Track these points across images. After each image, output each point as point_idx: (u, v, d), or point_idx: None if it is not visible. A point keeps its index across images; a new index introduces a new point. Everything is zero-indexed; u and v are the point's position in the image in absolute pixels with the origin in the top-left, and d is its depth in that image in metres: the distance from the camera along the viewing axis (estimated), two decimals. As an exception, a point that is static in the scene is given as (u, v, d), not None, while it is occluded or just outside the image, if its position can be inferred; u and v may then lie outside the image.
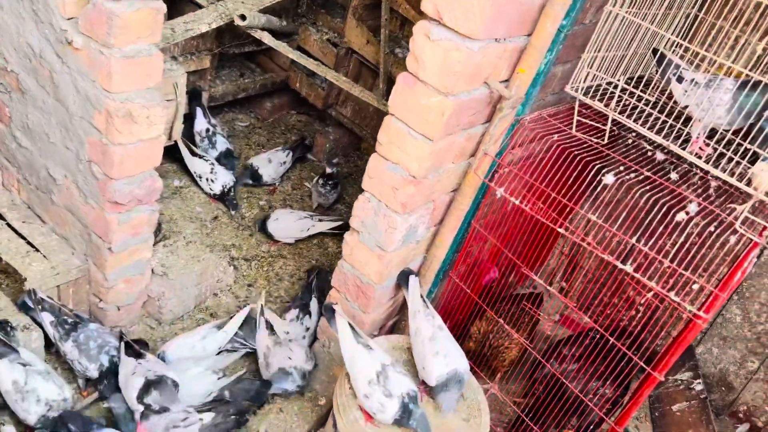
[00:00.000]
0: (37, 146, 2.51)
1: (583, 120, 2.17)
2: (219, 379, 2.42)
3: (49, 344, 2.48)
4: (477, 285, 2.63)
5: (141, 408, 2.21)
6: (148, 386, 2.22)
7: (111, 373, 2.39)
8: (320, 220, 3.54)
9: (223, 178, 3.53)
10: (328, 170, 3.70)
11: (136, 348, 2.41)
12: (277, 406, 2.54)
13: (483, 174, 2.20)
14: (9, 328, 2.32)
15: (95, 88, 2.15)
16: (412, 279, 2.37)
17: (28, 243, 2.56)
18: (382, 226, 2.20)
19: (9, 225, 2.60)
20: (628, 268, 1.90)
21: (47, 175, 2.53)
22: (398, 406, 2.03)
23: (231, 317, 2.70)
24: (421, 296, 2.32)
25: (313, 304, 2.91)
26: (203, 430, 2.37)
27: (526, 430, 2.48)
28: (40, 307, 2.43)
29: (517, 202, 2.11)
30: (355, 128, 4.18)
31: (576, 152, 2.04)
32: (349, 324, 2.16)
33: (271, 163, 3.84)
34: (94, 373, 2.38)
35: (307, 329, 2.82)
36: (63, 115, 2.32)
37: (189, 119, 3.66)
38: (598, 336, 2.49)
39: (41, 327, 2.44)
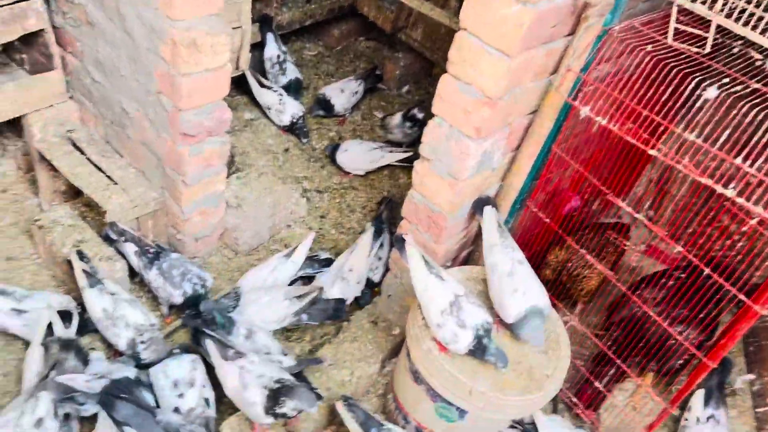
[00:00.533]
0: (109, 80, 2.53)
1: (682, 27, 1.92)
2: (292, 303, 2.44)
3: (132, 274, 2.58)
4: (557, 214, 2.48)
5: (270, 420, 2.05)
6: (276, 397, 2.02)
7: (194, 300, 2.46)
8: (390, 151, 3.44)
9: (292, 108, 3.48)
10: (419, 114, 3.53)
11: (229, 346, 2.18)
12: (351, 334, 2.56)
13: (566, 93, 2.02)
14: (87, 259, 2.41)
15: (158, 17, 2.10)
16: (488, 210, 2.26)
17: (108, 177, 2.63)
18: (454, 153, 2.08)
19: (89, 159, 2.67)
20: (731, 192, 1.71)
21: (121, 109, 2.56)
22: (472, 337, 1.98)
23: (296, 246, 2.70)
24: (499, 226, 2.21)
25: (384, 235, 2.87)
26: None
27: (607, 364, 2.39)
28: (123, 238, 2.52)
29: (603, 122, 1.93)
30: (426, 52, 3.99)
31: (673, 64, 1.82)
32: (421, 254, 2.10)
33: (343, 93, 3.75)
34: (178, 299, 2.45)
35: (380, 259, 2.79)
36: (131, 47, 2.31)
37: (256, 49, 3.60)
38: (683, 276, 2.32)
39: (124, 257, 2.53)
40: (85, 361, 2.14)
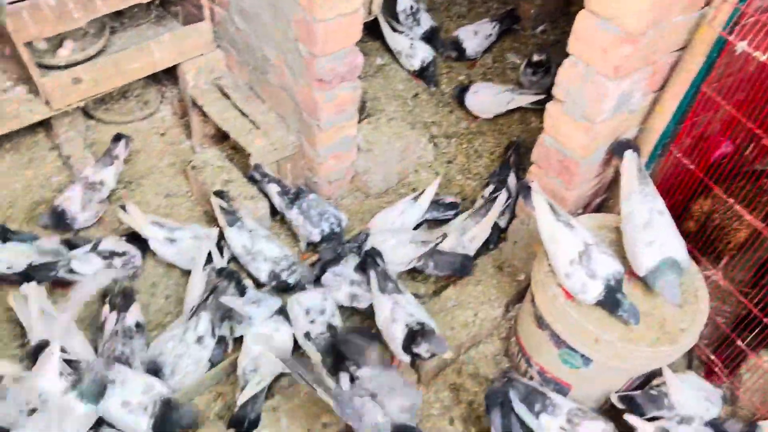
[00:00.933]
0: (252, 28, 2.68)
1: None
2: (417, 247, 2.51)
3: (272, 213, 2.77)
4: (704, 161, 2.29)
5: (407, 358, 2.15)
6: (413, 337, 2.11)
7: (329, 239, 2.62)
8: (521, 94, 3.34)
9: (422, 53, 3.47)
10: (536, 57, 3.38)
11: (390, 278, 2.31)
12: (476, 278, 2.59)
13: (720, 26, 1.83)
14: (227, 198, 2.62)
15: (295, -36, 2.18)
16: (629, 154, 2.14)
17: (251, 121, 2.81)
18: (589, 94, 1.99)
19: (234, 105, 2.87)
20: None
21: (262, 56, 2.70)
22: (602, 288, 1.93)
23: (424, 190, 2.75)
24: (640, 172, 2.09)
25: (511, 180, 2.83)
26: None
27: (752, 323, 2.22)
28: (266, 179, 2.71)
29: (764, 59, 1.73)
30: (565, -12, 3.77)
31: None
32: (547, 201, 2.05)
33: (476, 36, 3.67)
34: (316, 237, 2.62)
35: (507, 205, 2.77)
36: (271, -5, 2.42)
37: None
38: None
39: (266, 197, 2.73)
40: (242, 292, 2.37)
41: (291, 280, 2.47)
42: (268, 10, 2.48)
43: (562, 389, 2.22)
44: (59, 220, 2.62)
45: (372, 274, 2.33)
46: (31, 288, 2.27)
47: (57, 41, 2.73)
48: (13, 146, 2.96)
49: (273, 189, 2.70)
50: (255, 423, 2.11)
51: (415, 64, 3.49)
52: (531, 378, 2.32)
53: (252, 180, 2.75)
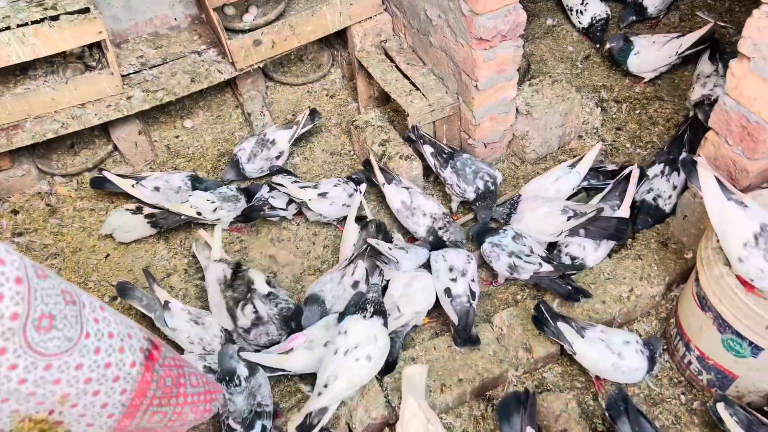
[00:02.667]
0: (416, -11, 2.71)
1: None
2: (568, 219, 2.39)
3: (425, 174, 2.82)
4: None
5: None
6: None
7: (484, 197, 2.60)
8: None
9: (594, 8, 3.24)
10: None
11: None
12: (636, 252, 2.42)
13: None
14: (371, 167, 2.70)
15: None
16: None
17: (411, 83, 2.87)
18: (784, 48, 1.73)
19: (397, 67, 2.94)
20: None
21: (425, 17, 2.73)
22: (786, 273, 1.71)
23: (581, 157, 2.59)
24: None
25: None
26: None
27: None
28: (422, 140, 2.76)
29: None
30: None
31: None
32: (716, 178, 1.84)
33: (657, -11, 3.34)
34: (471, 195, 2.62)
35: (675, 187, 2.53)
36: (435, -46, 2.42)
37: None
38: None
39: (421, 158, 2.78)
40: (389, 240, 2.49)
41: (446, 238, 2.51)
42: (432, -31, 2.49)
43: (726, 379, 2.02)
44: (236, 168, 2.92)
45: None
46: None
47: (243, 7, 3.00)
48: (206, 103, 3.33)
49: (427, 150, 2.73)
50: (391, 367, 2.20)
51: (584, 21, 3.26)
52: (689, 363, 2.13)
53: (408, 140, 2.81)
